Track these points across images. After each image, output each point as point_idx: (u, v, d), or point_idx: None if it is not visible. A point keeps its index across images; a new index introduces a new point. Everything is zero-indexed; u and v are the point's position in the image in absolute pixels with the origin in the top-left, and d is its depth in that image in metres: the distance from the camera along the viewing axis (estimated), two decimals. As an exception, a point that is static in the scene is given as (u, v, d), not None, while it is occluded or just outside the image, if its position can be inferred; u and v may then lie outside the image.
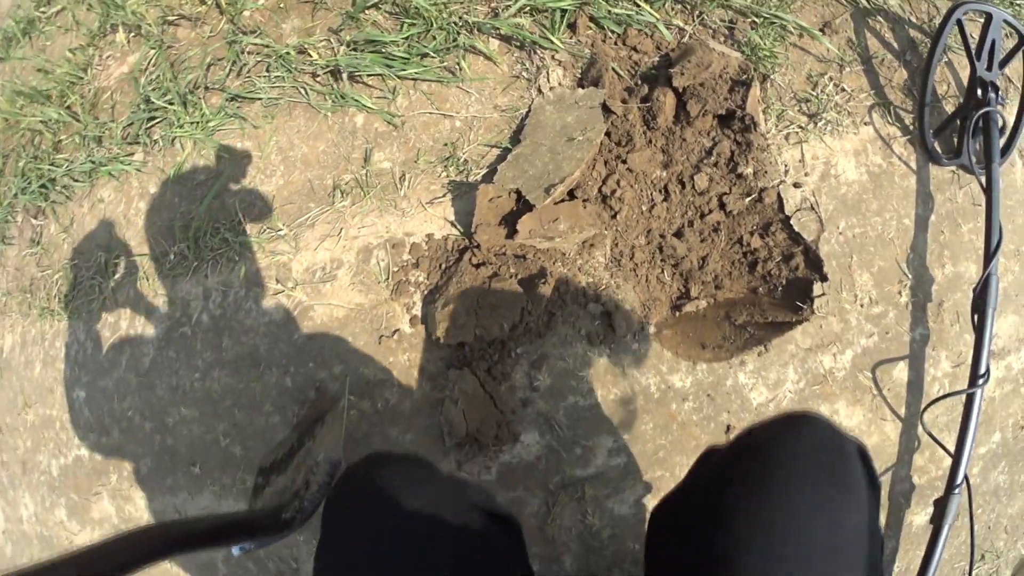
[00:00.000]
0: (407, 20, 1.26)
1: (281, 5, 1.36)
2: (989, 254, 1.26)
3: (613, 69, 1.22)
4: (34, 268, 1.45)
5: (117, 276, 1.36)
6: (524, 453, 1.19)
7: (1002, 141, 1.36)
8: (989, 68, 1.35)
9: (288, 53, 1.27)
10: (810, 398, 1.23)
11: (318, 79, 1.29)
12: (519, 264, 1.15)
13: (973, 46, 1.34)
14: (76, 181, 1.41)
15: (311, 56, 1.29)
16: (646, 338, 1.19)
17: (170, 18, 1.43)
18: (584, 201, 1.15)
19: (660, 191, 1.21)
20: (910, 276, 1.29)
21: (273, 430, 1.26)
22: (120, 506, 1.38)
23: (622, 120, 1.16)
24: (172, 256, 1.32)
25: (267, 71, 1.32)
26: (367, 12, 1.30)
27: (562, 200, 1.13)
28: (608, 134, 1.17)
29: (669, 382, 1.19)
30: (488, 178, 1.19)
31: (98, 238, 1.38)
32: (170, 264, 1.32)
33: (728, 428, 1.20)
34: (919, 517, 1.34)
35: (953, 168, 1.36)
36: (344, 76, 1.26)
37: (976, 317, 1.26)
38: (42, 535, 1.45)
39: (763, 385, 1.20)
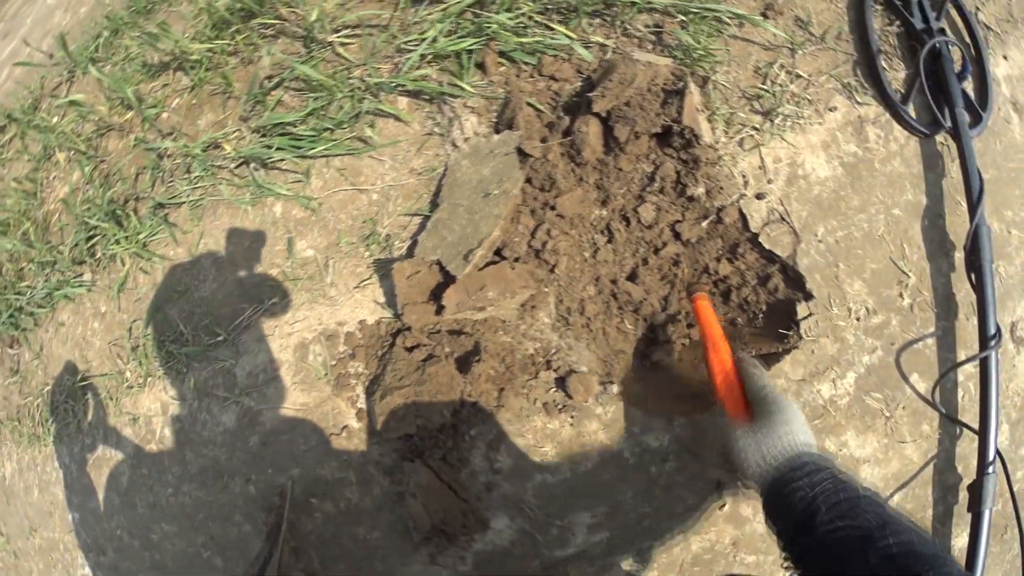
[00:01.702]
0: (311, 95, 1.05)
1: (194, 102, 1.17)
2: (972, 204, 0.98)
3: (529, 105, 0.97)
4: (17, 396, 1.32)
5: (85, 398, 1.21)
6: (497, 539, 0.97)
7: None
8: (926, 20, 1.05)
9: (198, 152, 1.08)
10: (812, 435, 0.95)
11: (235, 172, 1.10)
12: (454, 341, 0.93)
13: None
14: (40, 307, 1.28)
15: (224, 149, 1.10)
16: (611, 399, 0.94)
17: (101, 130, 1.27)
18: (515, 260, 0.91)
19: (602, 232, 0.96)
20: (910, 274, 0.99)
21: (247, 538, 1.09)
22: (128, 622, 1.23)
23: (542, 162, 0.91)
24: (127, 374, 1.15)
25: (187, 172, 1.13)
26: (272, 93, 1.09)
27: (488, 264, 0.90)
28: (529, 180, 0.92)
29: (644, 443, 0.94)
30: (412, 250, 0.97)
31: (64, 362, 1.25)
32: (127, 382, 1.15)
33: (719, 485, 0.94)
34: (960, 540, 1.04)
35: (941, 139, 1.05)
36: (255, 165, 1.06)
37: (973, 276, 0.98)
38: (68, 654, 1.32)
39: (753, 431, 0.93)
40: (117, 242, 1.16)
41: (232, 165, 1.09)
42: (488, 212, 0.89)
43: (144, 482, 1.16)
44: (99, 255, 1.20)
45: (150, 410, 1.15)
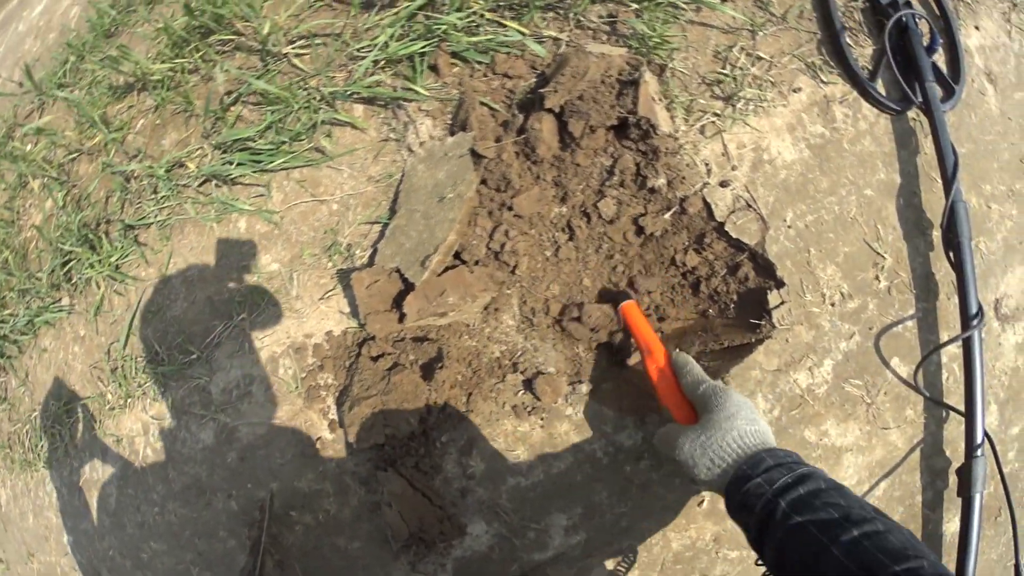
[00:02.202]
0: (268, 108, 1.05)
1: (158, 122, 1.18)
2: (947, 180, 0.96)
3: (483, 104, 0.96)
4: (7, 424, 1.35)
5: (71, 422, 1.22)
6: (475, 545, 0.96)
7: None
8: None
9: (162, 173, 1.08)
10: (789, 426, 0.94)
11: (199, 190, 1.10)
12: (418, 349, 0.92)
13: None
14: (23, 334, 1.30)
15: (188, 168, 1.10)
16: (581, 399, 0.93)
17: (72, 155, 1.28)
18: (475, 263, 0.90)
19: (563, 230, 0.95)
20: (886, 255, 0.97)
21: (232, 554, 1.10)
22: (126, 641, 1.25)
23: (496, 162, 0.90)
24: (108, 396, 1.16)
25: (154, 193, 1.14)
26: (231, 109, 1.09)
27: (446, 269, 0.89)
28: (485, 182, 0.91)
29: (617, 442, 0.93)
30: (373, 259, 0.96)
31: (48, 387, 1.27)
32: (109, 404, 1.16)
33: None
34: (952, 524, 1.01)
35: (913, 115, 1.02)
36: (217, 182, 1.06)
37: (951, 254, 0.96)
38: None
39: (727, 425, 0.92)
40: (91, 266, 1.17)
41: (196, 183, 1.09)
42: (443, 217, 0.88)
43: (131, 502, 1.17)
44: (75, 279, 1.22)
45: (132, 430, 1.16)
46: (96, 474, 1.21)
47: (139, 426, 1.15)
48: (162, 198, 1.13)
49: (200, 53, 1.13)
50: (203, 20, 1.13)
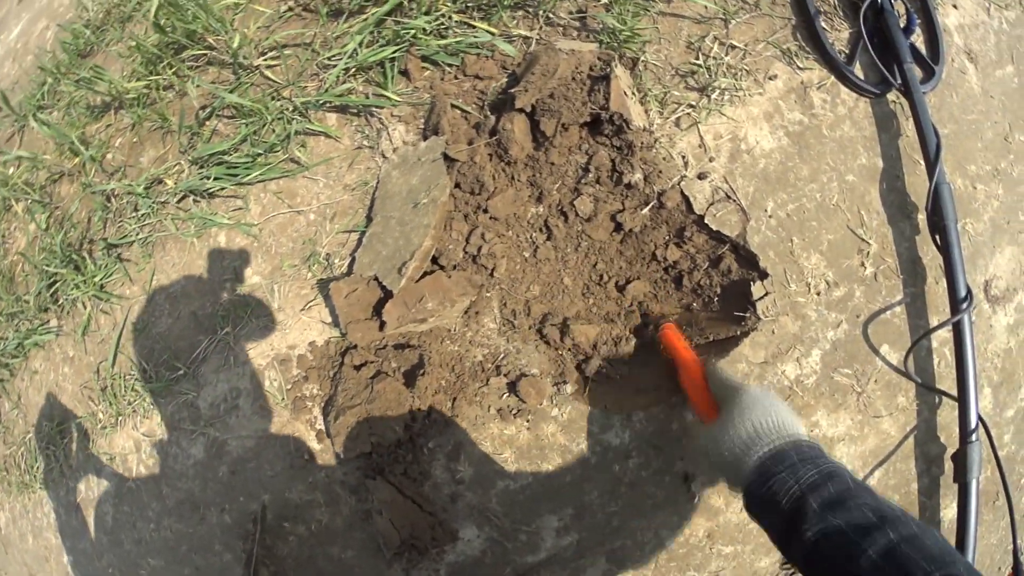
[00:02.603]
0: (243, 121, 1.05)
1: (135, 140, 1.19)
2: (930, 163, 0.95)
3: (455, 107, 0.96)
4: (2, 446, 1.36)
5: (65, 442, 1.24)
6: (468, 550, 0.97)
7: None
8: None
9: (140, 191, 1.09)
10: (777, 417, 0.93)
11: (179, 206, 1.11)
12: (400, 356, 0.93)
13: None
14: (13, 357, 1.31)
15: (167, 184, 1.11)
16: (566, 399, 0.93)
17: (54, 176, 1.30)
18: (452, 268, 0.91)
19: (540, 230, 0.95)
20: (870, 241, 0.96)
21: (229, 567, 1.11)
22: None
23: (469, 165, 0.90)
24: (100, 415, 1.18)
25: (135, 211, 1.15)
26: (207, 124, 1.10)
27: (424, 274, 0.90)
28: (459, 185, 0.91)
29: (605, 442, 0.93)
30: (352, 268, 0.97)
31: (41, 409, 1.28)
32: (101, 423, 1.18)
33: (687, 477, 0.93)
34: (950, 511, 1.01)
35: (894, 98, 1.01)
36: (195, 197, 1.07)
37: (937, 237, 0.96)
38: None
39: (714, 420, 0.92)
40: (76, 286, 1.18)
41: (175, 199, 1.10)
42: (418, 222, 0.89)
43: (127, 519, 1.19)
44: (61, 301, 1.23)
45: (124, 448, 1.17)
46: (92, 493, 1.23)
47: (131, 443, 1.16)
48: (143, 215, 1.14)
49: (173, 69, 1.14)
50: (175, 36, 1.14)
